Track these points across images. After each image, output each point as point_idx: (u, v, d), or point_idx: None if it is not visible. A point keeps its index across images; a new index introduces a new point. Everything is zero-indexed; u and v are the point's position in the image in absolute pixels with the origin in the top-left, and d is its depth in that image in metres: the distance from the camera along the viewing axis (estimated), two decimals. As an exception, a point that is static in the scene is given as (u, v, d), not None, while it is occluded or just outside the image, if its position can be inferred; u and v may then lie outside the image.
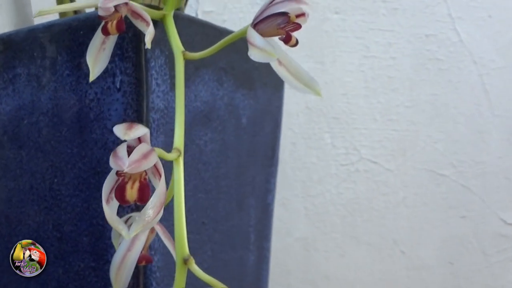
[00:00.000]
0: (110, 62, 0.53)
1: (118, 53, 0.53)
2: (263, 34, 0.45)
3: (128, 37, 0.52)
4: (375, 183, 1.05)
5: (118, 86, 0.53)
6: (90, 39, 0.49)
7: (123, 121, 0.53)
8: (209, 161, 0.61)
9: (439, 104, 1.05)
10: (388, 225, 1.05)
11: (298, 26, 0.44)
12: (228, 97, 0.63)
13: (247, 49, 0.66)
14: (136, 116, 0.53)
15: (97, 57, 0.49)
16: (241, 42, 0.65)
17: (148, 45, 0.43)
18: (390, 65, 1.05)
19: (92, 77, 0.49)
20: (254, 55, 0.43)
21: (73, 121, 0.56)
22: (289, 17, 0.44)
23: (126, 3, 0.46)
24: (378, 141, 1.05)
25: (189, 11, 1.04)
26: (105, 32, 0.46)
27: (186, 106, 0.57)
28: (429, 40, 1.05)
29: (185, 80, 0.57)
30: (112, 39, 0.49)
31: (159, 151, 0.42)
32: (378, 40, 1.05)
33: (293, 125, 1.05)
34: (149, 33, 0.44)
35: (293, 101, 1.04)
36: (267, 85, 0.70)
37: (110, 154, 0.56)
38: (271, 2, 0.45)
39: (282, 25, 0.44)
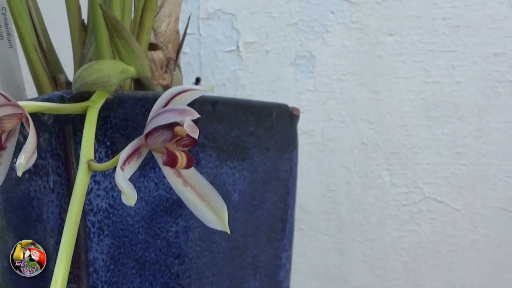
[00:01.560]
0: (43, 159, 0.47)
1: (49, 149, 0.46)
2: (155, 151, 0.36)
3: (55, 132, 0.45)
4: (441, 225, 0.93)
5: (51, 187, 0.46)
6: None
7: (59, 226, 0.47)
8: (183, 253, 0.53)
9: (514, 132, 0.92)
10: (457, 270, 0.93)
11: (192, 141, 0.34)
12: (208, 175, 0.54)
13: (231, 116, 0.57)
14: (71, 221, 0.46)
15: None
16: (224, 109, 0.57)
17: (18, 171, 0.35)
18: (455, 90, 0.92)
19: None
20: (122, 197, 0.34)
21: (21, 219, 0.50)
22: (174, 130, 0.34)
23: (18, 115, 0.38)
24: (443, 177, 0.93)
25: (229, 42, 0.97)
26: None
27: (143, 198, 0.50)
28: (498, 60, 0.91)
29: (141, 168, 0.50)
30: (8, 152, 0.42)
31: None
32: (440, 62, 0.93)
33: (348, 162, 0.95)
34: (24, 151, 0.35)
35: (347, 135, 0.94)
36: (269, 149, 0.61)
37: (53, 259, 0.49)
38: (158, 111, 0.35)
39: (169, 140, 0.34)
